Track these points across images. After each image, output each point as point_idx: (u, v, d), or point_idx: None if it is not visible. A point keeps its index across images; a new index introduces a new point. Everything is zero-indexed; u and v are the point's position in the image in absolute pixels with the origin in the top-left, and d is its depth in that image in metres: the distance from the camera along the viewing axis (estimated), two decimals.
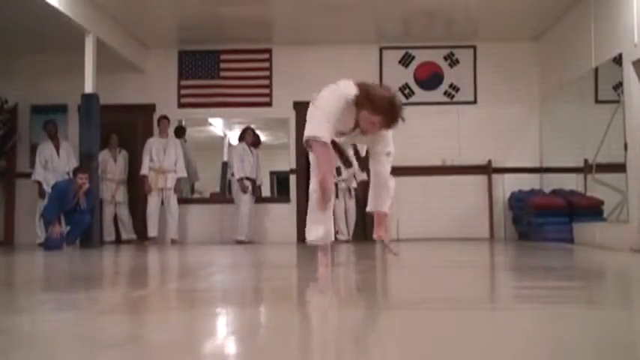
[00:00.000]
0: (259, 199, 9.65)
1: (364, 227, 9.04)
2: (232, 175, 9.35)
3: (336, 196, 9.11)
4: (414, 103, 9.48)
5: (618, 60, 6.96)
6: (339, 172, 9.09)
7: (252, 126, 9.70)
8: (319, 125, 3.24)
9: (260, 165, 9.57)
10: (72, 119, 9.46)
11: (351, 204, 9.05)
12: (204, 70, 9.81)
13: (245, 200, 9.10)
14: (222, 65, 9.81)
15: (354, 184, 8.95)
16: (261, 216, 9.49)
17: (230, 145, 12.87)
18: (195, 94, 9.82)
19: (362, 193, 9.03)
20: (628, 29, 6.61)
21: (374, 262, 5.43)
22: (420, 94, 9.74)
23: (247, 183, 9.16)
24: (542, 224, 8.02)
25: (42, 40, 8.86)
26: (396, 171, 3.64)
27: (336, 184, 9.06)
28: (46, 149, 8.99)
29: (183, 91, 9.84)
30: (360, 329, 2.03)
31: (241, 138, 9.48)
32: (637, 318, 2.29)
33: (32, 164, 9.11)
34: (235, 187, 9.23)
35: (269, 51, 9.80)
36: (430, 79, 9.77)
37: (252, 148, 9.38)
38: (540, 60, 9.51)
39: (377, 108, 3.17)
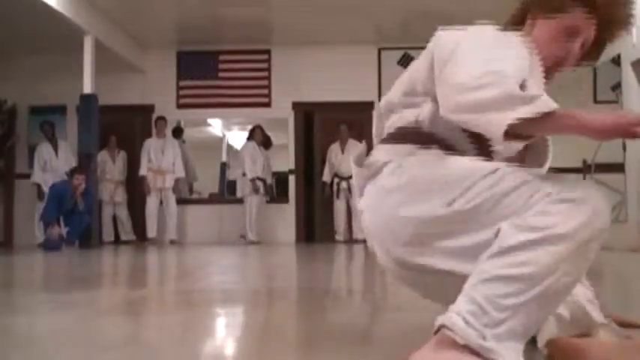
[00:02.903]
0: (272, 199, 9.59)
1: None
2: (244, 174, 9.25)
3: (337, 197, 9.12)
4: None
5: (617, 60, 6.96)
6: (336, 175, 9.11)
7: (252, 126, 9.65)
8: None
9: (270, 164, 9.49)
10: (70, 120, 9.45)
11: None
12: (203, 70, 9.81)
13: (255, 200, 9.09)
14: (221, 66, 9.81)
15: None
16: (259, 216, 9.46)
17: (229, 145, 12.86)
18: (194, 94, 9.81)
19: None
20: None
21: (374, 263, 5.42)
22: None
23: (258, 183, 9.14)
24: None
25: (40, 40, 8.85)
26: None
27: (338, 184, 9.06)
28: (44, 150, 8.98)
29: (182, 92, 9.83)
30: (357, 330, 2.03)
31: (250, 137, 9.37)
32: (635, 318, 2.29)
33: (31, 165, 9.10)
34: (247, 187, 9.13)
35: (268, 52, 9.80)
36: None
37: (261, 147, 9.36)
38: None
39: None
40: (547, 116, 1.18)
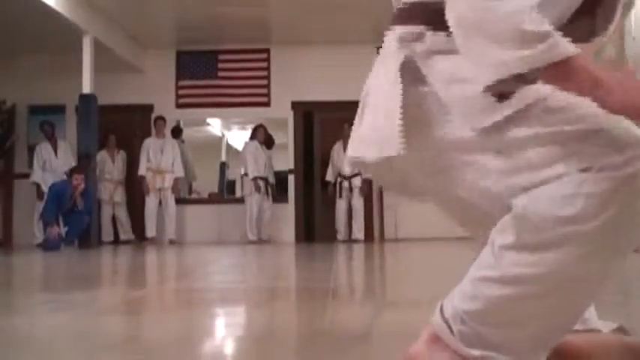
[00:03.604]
0: (274, 198, 9.53)
1: (375, 225, 9.28)
2: (245, 174, 9.22)
3: (339, 196, 9.11)
4: None
5: None
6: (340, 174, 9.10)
7: (252, 126, 9.64)
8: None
9: (272, 163, 9.49)
10: (70, 120, 9.44)
11: (358, 203, 9.01)
12: (203, 70, 9.80)
13: (256, 200, 9.08)
14: (220, 65, 9.80)
15: (358, 182, 8.92)
16: (262, 215, 9.41)
17: (228, 145, 12.86)
18: (194, 94, 9.80)
19: (368, 189, 9.06)
20: (625, 29, 6.62)
21: (374, 263, 5.42)
22: None
23: (260, 182, 9.13)
24: None
25: (39, 40, 8.84)
26: None
27: (340, 183, 9.06)
28: (44, 150, 8.99)
29: (181, 92, 9.83)
30: (357, 329, 2.03)
31: (253, 136, 9.35)
32: (635, 317, 2.29)
33: (30, 165, 9.10)
34: (248, 186, 9.11)
35: (267, 51, 9.79)
36: None
37: (263, 147, 9.34)
38: None
39: None
40: (556, 65, 0.89)
